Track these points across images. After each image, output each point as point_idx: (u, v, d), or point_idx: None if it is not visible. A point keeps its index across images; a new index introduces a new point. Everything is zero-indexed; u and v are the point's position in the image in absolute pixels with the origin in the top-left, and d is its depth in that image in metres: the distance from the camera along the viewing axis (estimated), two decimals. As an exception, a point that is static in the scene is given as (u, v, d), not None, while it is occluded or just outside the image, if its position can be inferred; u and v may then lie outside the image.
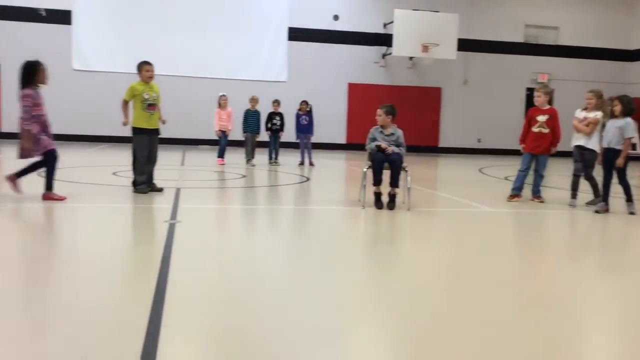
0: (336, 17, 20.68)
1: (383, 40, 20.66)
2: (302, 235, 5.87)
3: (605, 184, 7.17)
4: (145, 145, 7.43)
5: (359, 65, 20.92)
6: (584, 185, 7.77)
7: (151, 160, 7.57)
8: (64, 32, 18.46)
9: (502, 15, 21.69)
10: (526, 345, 2.85)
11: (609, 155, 7.04)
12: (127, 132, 7.71)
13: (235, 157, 13.25)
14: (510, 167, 14.25)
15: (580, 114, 7.84)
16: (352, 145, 20.03)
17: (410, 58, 20.61)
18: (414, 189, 7.58)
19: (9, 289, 3.50)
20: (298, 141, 13.37)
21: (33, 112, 6.47)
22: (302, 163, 13.14)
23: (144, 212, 6.52)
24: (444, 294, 3.74)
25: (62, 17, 18.56)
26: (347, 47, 20.76)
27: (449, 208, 7.71)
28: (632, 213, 7.12)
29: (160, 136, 7.76)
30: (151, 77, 7.56)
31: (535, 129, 7.87)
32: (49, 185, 6.59)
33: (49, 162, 6.62)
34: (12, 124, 17.79)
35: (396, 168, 6.93)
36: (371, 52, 21.03)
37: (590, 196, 7.74)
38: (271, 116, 13.16)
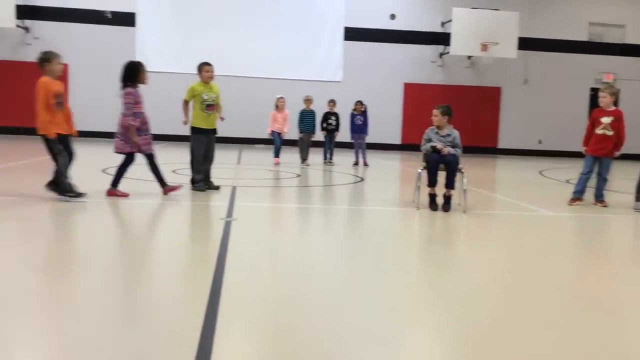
0: (393, 16, 20.54)
1: (440, 39, 20.38)
2: (355, 235, 5.87)
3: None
4: (202, 145, 7.61)
5: (416, 64, 20.71)
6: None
7: (208, 158, 7.74)
8: (128, 33, 19.12)
9: (564, 13, 20.99)
10: (585, 350, 2.76)
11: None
12: (185, 131, 7.92)
13: (291, 157, 13.35)
14: (572, 170, 13.78)
15: None
16: (407, 146, 19.85)
17: (469, 57, 20.25)
18: (470, 191, 7.45)
19: (70, 284, 3.66)
20: (352, 141, 13.36)
21: (135, 109, 6.76)
22: (356, 163, 13.13)
23: (201, 210, 6.68)
24: (501, 296, 3.66)
25: (126, 19, 19.22)
26: (403, 46, 20.59)
27: (506, 211, 7.54)
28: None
29: (217, 135, 7.94)
30: (211, 78, 7.72)
31: (599, 131, 7.60)
32: (115, 182, 6.86)
33: (125, 161, 6.89)
34: (78, 123, 18.60)
35: (452, 169, 6.82)
36: (428, 51, 20.79)
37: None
38: (327, 116, 13.19)
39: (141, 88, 6.91)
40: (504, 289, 3.88)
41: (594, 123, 7.72)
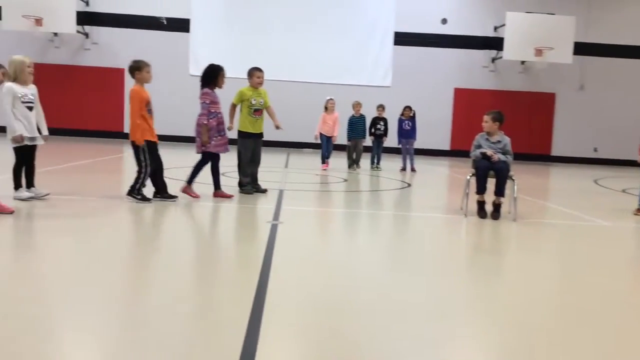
0: (444, 21, 20.30)
1: (493, 43, 20.02)
2: (401, 241, 5.83)
3: None
4: (249, 148, 7.71)
5: (467, 69, 20.41)
6: None
7: (255, 162, 7.85)
8: (182, 39, 19.58)
9: (623, 17, 20.25)
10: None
11: None
12: (234, 134, 8.04)
13: (339, 162, 13.36)
14: (629, 179, 13.28)
15: None
16: (456, 152, 19.57)
17: (522, 62, 19.81)
18: (520, 199, 7.28)
19: (115, 282, 3.76)
20: (400, 146, 13.26)
21: (211, 109, 6.98)
22: (403, 169, 13.03)
23: (248, 212, 6.76)
24: (548, 309, 3.56)
25: (181, 25, 19.69)
26: (454, 51, 20.32)
27: (558, 220, 7.33)
28: None
29: (264, 139, 8.04)
30: (261, 84, 7.83)
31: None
32: (190, 180, 7.08)
33: (202, 161, 7.12)
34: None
35: (502, 177, 6.68)
36: (480, 56, 20.45)
37: None
38: (375, 121, 13.14)
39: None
40: (552, 301, 3.77)
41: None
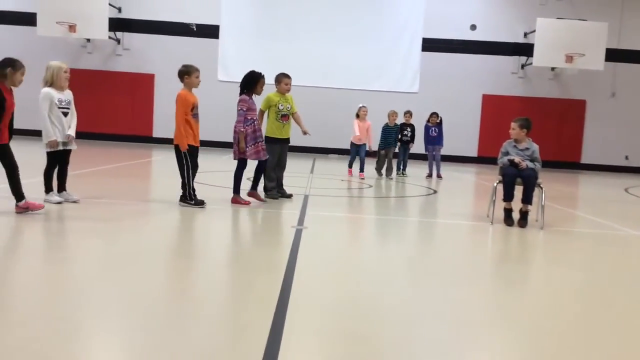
0: (473, 27, 20.18)
1: (522, 49, 19.84)
2: (425, 248, 5.80)
3: None
4: (275, 153, 7.77)
5: (495, 75, 20.24)
6: None
7: (280, 167, 7.91)
8: (211, 45, 19.84)
9: (659, 22, 19.87)
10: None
11: None
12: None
13: (367, 169, 13.31)
14: (663, 188, 12.99)
15: None
16: (484, 159, 19.39)
17: (552, 69, 19.56)
18: (548, 207, 7.18)
19: (141, 285, 3.83)
20: (427, 153, 13.18)
21: (248, 115, 7.05)
22: (430, 175, 12.96)
23: (273, 217, 6.80)
24: (575, 318, 3.51)
25: (210, 31, 19.96)
26: (482, 57, 20.18)
27: (587, 229, 7.21)
28: None
29: (291, 144, 8.09)
30: (288, 90, 7.89)
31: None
32: (235, 189, 7.15)
33: (239, 168, 7.15)
34: (164, 131, 19.43)
35: (530, 184, 6.61)
36: (509, 62, 20.27)
37: None
38: (402, 127, 13.07)
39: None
40: (577, 311, 3.71)
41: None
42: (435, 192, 10.38)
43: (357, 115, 12.05)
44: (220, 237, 5.70)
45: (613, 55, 18.94)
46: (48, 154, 6.37)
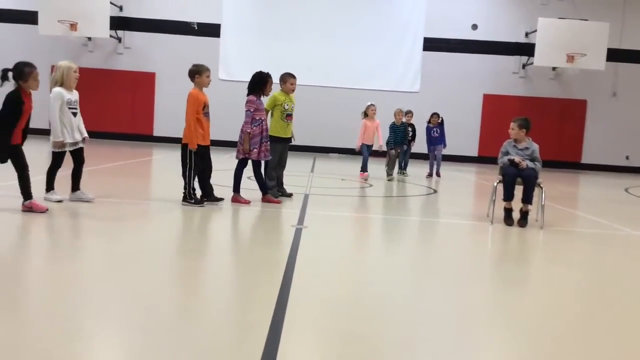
0: (475, 27, 20.17)
1: (524, 49, 19.83)
2: (425, 247, 5.81)
3: None
4: (277, 153, 7.78)
5: (496, 75, 20.23)
6: None
7: (281, 166, 7.92)
8: (212, 44, 19.83)
9: (661, 22, 19.86)
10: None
11: None
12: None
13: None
14: (663, 189, 12.99)
15: None
16: (484, 159, 19.39)
17: (553, 68, 19.56)
18: (549, 207, 7.19)
19: (142, 283, 3.84)
20: (429, 153, 13.14)
21: (255, 116, 7.05)
22: (430, 175, 12.96)
23: (273, 216, 6.81)
24: (575, 318, 3.52)
25: (211, 30, 19.96)
26: (483, 56, 20.17)
27: (587, 229, 7.22)
28: None
29: (292, 144, 8.09)
30: (294, 90, 7.90)
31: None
32: (235, 188, 7.16)
33: (238, 166, 7.17)
34: (164, 129, 19.45)
35: (530, 184, 6.62)
36: (510, 62, 20.27)
37: None
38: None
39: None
40: (577, 311, 3.72)
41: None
42: (435, 191, 10.38)
43: (366, 114, 11.63)
44: (220, 236, 5.71)
45: (614, 55, 18.92)
46: (54, 153, 6.38)
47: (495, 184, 6.91)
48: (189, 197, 6.70)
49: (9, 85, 5.68)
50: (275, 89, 7.65)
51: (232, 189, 7.19)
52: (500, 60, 20.23)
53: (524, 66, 20.11)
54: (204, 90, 6.79)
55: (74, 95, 6.48)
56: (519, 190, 6.69)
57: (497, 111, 19.71)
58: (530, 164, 6.68)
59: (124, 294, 3.44)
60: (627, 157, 20.27)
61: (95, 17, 18.10)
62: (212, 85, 7.26)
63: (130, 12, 20.10)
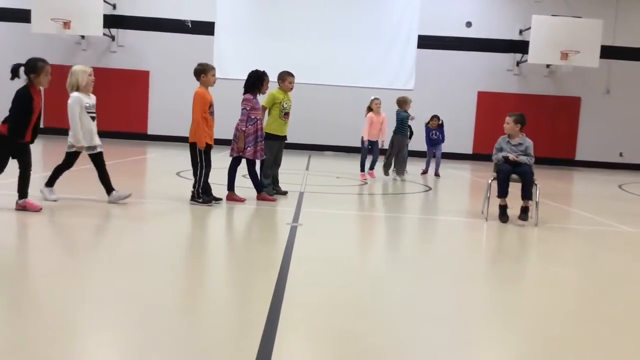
0: (469, 24, 20.19)
1: (518, 47, 19.86)
2: (420, 245, 5.81)
3: None
4: (273, 151, 7.77)
5: (490, 72, 20.26)
6: None
7: (276, 164, 7.91)
8: (207, 42, 19.77)
9: (653, 19, 19.93)
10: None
11: None
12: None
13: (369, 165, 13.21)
14: (657, 185, 13.05)
15: None
16: (479, 156, 19.42)
17: (548, 66, 19.60)
18: (543, 204, 7.21)
19: (138, 282, 3.83)
20: (427, 152, 13.08)
21: (251, 115, 7.04)
22: (425, 172, 12.96)
23: (268, 214, 6.80)
24: (570, 315, 3.52)
25: (206, 28, 19.90)
26: (478, 54, 20.19)
27: (581, 225, 7.24)
28: None
29: (287, 142, 8.08)
30: (292, 88, 7.89)
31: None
32: (230, 186, 7.13)
33: (232, 164, 7.15)
34: (158, 128, 19.38)
35: (527, 180, 6.62)
36: (504, 59, 20.29)
37: None
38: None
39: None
40: (572, 308, 3.73)
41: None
42: (430, 189, 10.39)
43: (370, 109, 11.05)
44: (215, 234, 5.69)
45: (608, 52, 18.97)
46: (67, 153, 6.35)
47: (490, 181, 6.92)
48: (197, 196, 6.67)
49: (19, 82, 5.65)
50: (272, 87, 7.64)
51: (226, 187, 7.18)
52: (495, 57, 20.26)
53: (518, 64, 20.15)
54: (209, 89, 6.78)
55: (92, 99, 6.47)
56: (513, 187, 6.70)
57: (491, 108, 19.74)
58: (524, 159, 6.68)
59: (119, 293, 3.43)
60: (620, 154, 20.34)
61: (89, 15, 18.02)
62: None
63: (123, 10, 20.02)
